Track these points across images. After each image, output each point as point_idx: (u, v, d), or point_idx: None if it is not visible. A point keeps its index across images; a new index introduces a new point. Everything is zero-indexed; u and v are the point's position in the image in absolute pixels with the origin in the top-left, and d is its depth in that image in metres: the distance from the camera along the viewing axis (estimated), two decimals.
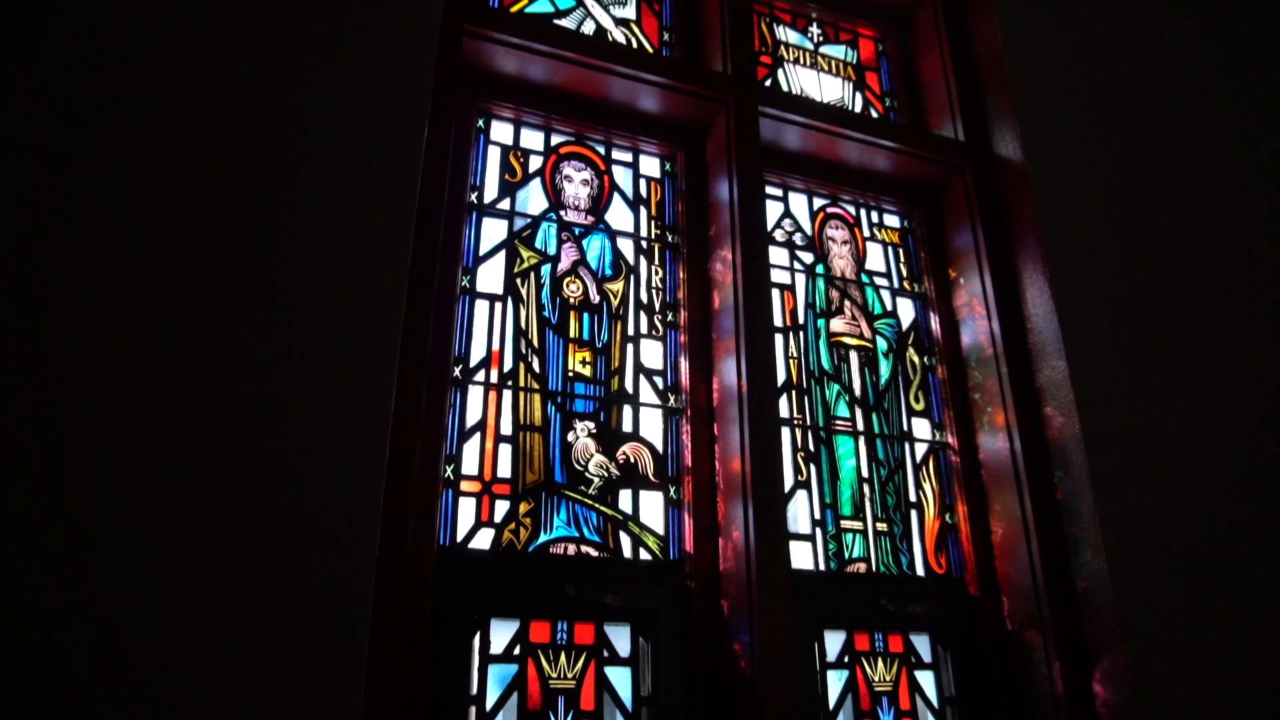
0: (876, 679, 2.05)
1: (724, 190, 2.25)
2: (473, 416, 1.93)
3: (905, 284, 2.57)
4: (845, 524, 2.19)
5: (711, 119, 2.37)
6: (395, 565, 1.54)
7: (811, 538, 2.14)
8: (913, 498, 2.30)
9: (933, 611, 2.16)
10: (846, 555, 2.16)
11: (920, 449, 2.36)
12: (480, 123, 2.21)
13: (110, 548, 1.32)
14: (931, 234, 2.63)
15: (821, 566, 2.12)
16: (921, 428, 2.40)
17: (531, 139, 2.26)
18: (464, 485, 1.87)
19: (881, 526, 2.23)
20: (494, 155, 2.20)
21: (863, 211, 2.62)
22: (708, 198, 2.33)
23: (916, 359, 2.47)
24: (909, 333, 2.50)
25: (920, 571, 2.23)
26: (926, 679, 2.11)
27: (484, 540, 1.85)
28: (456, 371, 1.94)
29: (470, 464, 1.89)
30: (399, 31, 1.86)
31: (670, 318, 2.21)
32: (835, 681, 2.01)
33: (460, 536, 1.83)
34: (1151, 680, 1.92)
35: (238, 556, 1.38)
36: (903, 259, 2.60)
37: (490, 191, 2.15)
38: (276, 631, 1.36)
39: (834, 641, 2.05)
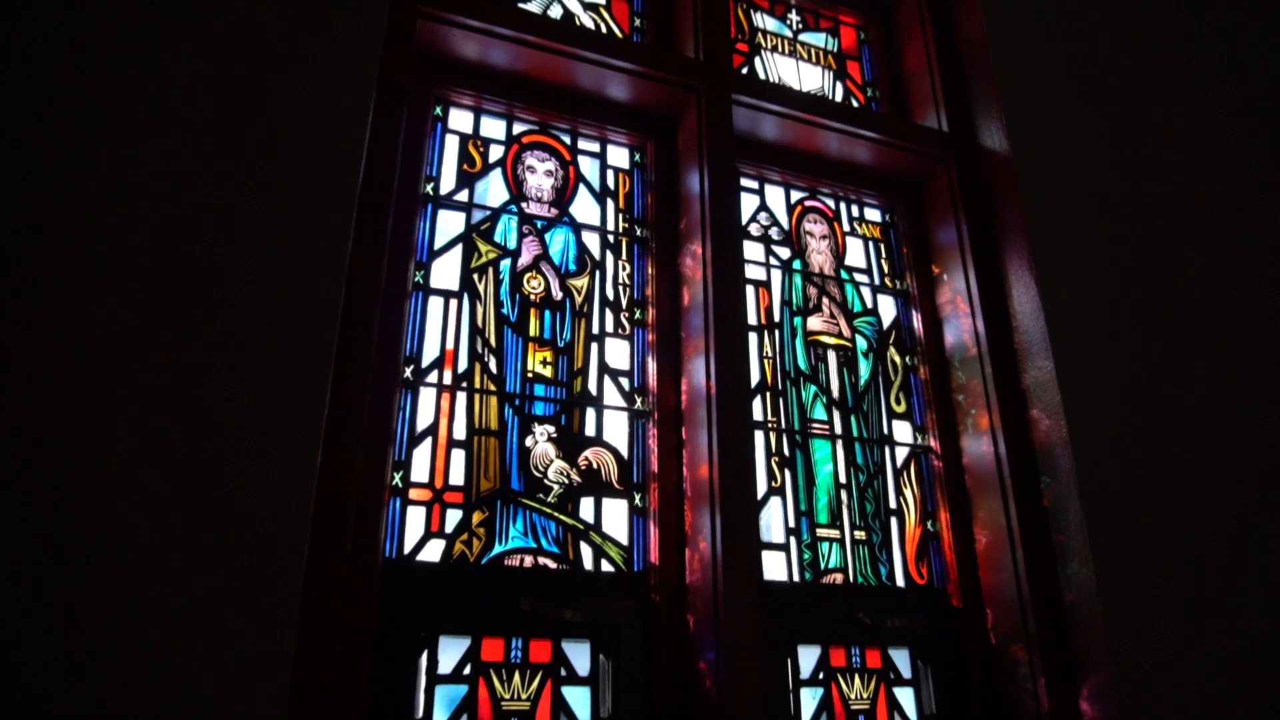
0: (853, 696, 1.94)
1: (695, 182, 2.14)
2: (424, 420, 1.81)
3: (887, 280, 2.47)
4: (821, 532, 2.08)
5: (683, 108, 2.26)
6: (329, 577, 1.42)
7: (785, 547, 2.03)
8: (893, 504, 2.19)
9: (913, 624, 2.06)
10: (822, 565, 2.05)
11: (901, 453, 2.26)
12: (438, 110, 2.09)
13: (22, 549, 1.20)
14: (914, 228, 2.53)
15: (795, 577, 2.01)
16: (903, 431, 2.29)
17: (492, 127, 2.15)
18: (413, 493, 1.76)
19: (860, 535, 2.12)
20: (452, 144, 2.09)
21: (843, 205, 2.51)
22: (678, 190, 2.22)
23: (898, 359, 2.37)
24: (890, 331, 2.40)
25: (900, 582, 2.12)
26: (906, 696, 2.00)
27: (434, 552, 1.73)
28: (407, 372, 1.83)
29: (420, 471, 1.78)
30: (346, 10, 1.75)
31: (638, 315, 2.10)
32: (809, 700, 1.91)
33: (408, 548, 1.72)
34: (1142, 699, 1.81)
35: (157, 561, 1.26)
36: (884, 254, 2.50)
37: (447, 182, 2.04)
38: (195, 641, 1.25)
39: (808, 657, 1.94)
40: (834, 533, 2.09)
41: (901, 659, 2.03)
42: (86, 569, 1.23)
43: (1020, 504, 2.08)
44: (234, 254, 1.48)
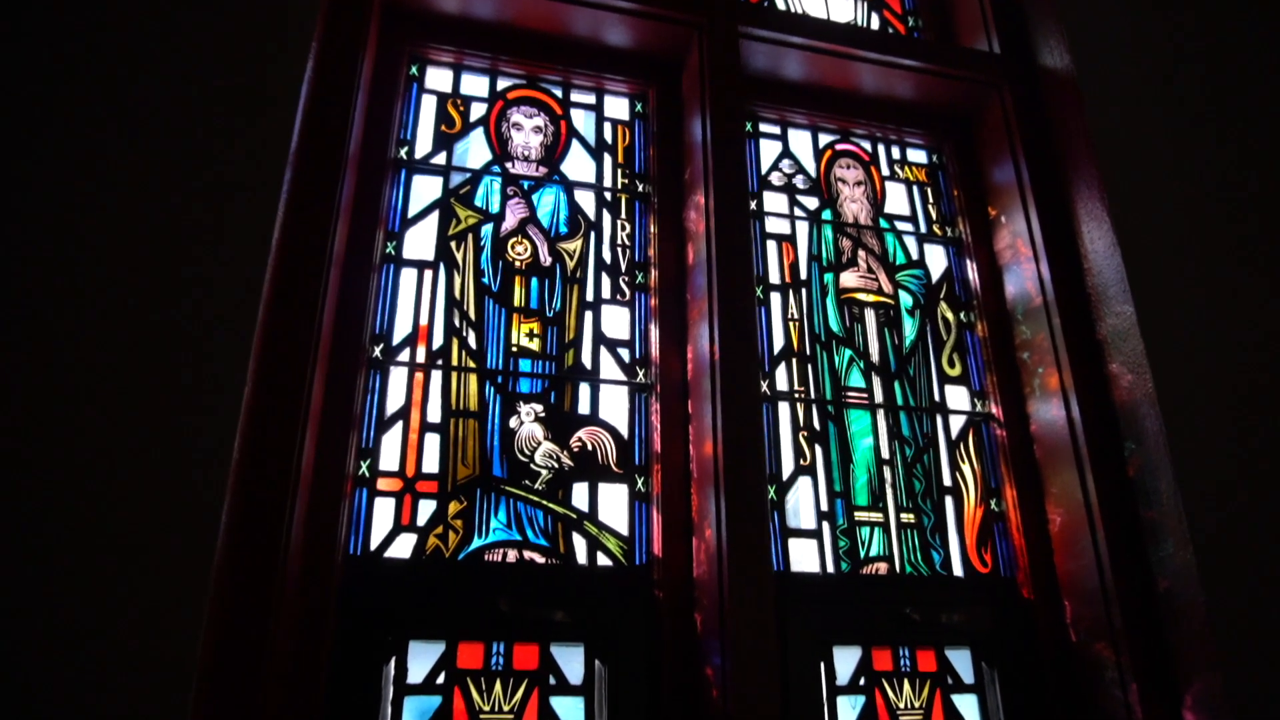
0: (901, 705, 1.66)
1: (698, 127, 1.90)
2: (396, 403, 1.64)
3: (935, 228, 2.16)
4: (860, 516, 1.81)
5: (686, 47, 2.03)
6: (258, 580, 1.26)
7: (817, 534, 1.77)
8: (948, 481, 1.89)
9: (975, 620, 1.76)
10: (862, 554, 1.78)
11: (957, 422, 1.95)
12: (413, 69, 1.93)
13: None
14: (965, 168, 2.21)
15: (830, 568, 1.74)
16: (958, 397, 1.98)
17: (474, 85, 1.97)
18: (382, 483, 1.59)
19: (907, 518, 1.83)
20: (429, 105, 1.91)
21: (881, 147, 2.22)
22: (683, 140, 1.99)
23: (950, 315, 2.06)
24: (940, 285, 2.09)
25: (958, 571, 1.82)
26: (968, 704, 1.70)
27: (404, 547, 1.56)
28: (376, 351, 1.66)
29: (391, 458, 1.61)
30: None
31: (640, 279, 1.87)
32: (848, 710, 1.64)
33: (375, 543, 1.55)
34: (1259, 709, 1.47)
35: (66, 560, 1.12)
36: (931, 199, 2.19)
37: (424, 146, 1.87)
38: (91, 656, 1.10)
39: (846, 660, 1.68)
40: (876, 516, 1.82)
41: (962, 660, 1.74)
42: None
43: (1100, 476, 1.75)
44: (142, 216, 1.33)
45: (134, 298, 1.28)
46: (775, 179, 2.08)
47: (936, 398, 1.96)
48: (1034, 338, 1.94)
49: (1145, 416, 1.71)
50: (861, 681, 1.67)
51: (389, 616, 1.48)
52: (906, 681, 1.69)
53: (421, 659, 1.49)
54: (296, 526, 1.42)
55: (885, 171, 2.19)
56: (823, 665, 1.65)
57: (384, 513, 1.57)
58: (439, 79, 1.95)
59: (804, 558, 1.74)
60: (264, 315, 1.35)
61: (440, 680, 1.48)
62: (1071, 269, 1.93)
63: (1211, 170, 1.97)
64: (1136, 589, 1.66)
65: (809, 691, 1.61)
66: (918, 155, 2.24)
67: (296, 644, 1.39)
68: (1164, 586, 1.64)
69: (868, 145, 2.21)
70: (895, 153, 2.23)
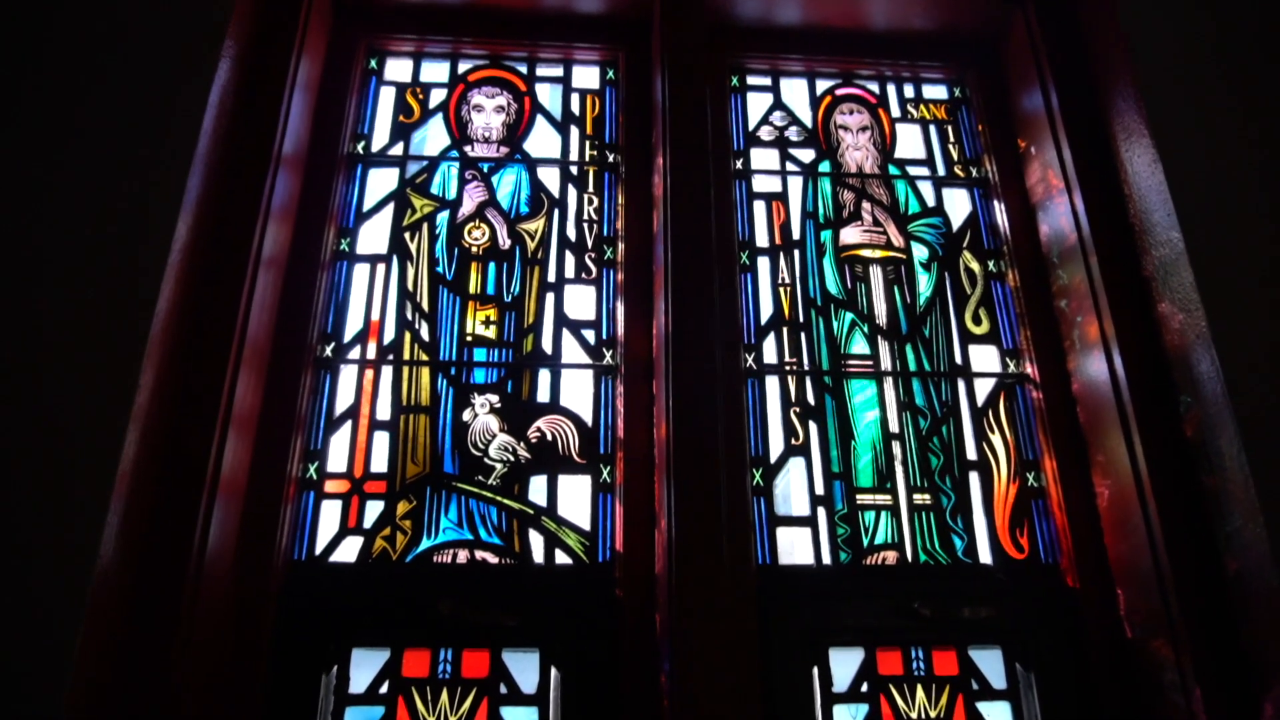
0: (915, 714, 1.44)
1: (660, 88, 1.75)
2: (345, 402, 1.59)
3: (957, 170, 1.90)
4: (864, 499, 1.59)
5: (650, 4, 1.88)
6: (170, 588, 1.23)
7: (811, 520, 1.57)
8: (972, 455, 1.64)
9: (1007, 614, 1.50)
10: (865, 542, 1.56)
11: (983, 387, 1.69)
12: (372, 62, 1.88)
13: None
14: (991, 100, 1.93)
15: (826, 559, 1.54)
16: (984, 358, 1.72)
17: (435, 72, 1.90)
18: (329, 485, 1.53)
19: (921, 499, 1.60)
20: (387, 96, 1.86)
21: (891, 87, 1.98)
22: (650, 102, 1.84)
23: (976, 265, 1.80)
24: (963, 232, 1.83)
25: (985, 557, 1.57)
26: (998, 714, 1.45)
27: (350, 551, 1.49)
28: (327, 350, 1.61)
29: (339, 459, 1.55)
30: None
31: (609, 254, 1.74)
32: (846, 719, 1.44)
33: (321, 548, 1.49)
34: None
35: None
36: (951, 138, 1.93)
37: (381, 138, 1.81)
38: None
39: (846, 663, 1.47)
40: (883, 498, 1.59)
41: (990, 662, 1.49)
42: None
43: (1150, 437, 1.46)
44: (44, 216, 1.32)
45: (34, 301, 1.27)
46: (765, 133, 1.89)
47: (958, 360, 1.71)
48: (1071, 281, 1.66)
49: (1199, 362, 1.41)
50: (864, 687, 1.45)
51: (331, 623, 1.42)
52: (920, 686, 1.46)
53: (365, 667, 1.41)
54: (226, 532, 1.38)
55: (896, 113, 1.95)
56: (816, 670, 1.45)
57: (330, 516, 1.52)
58: (398, 69, 1.89)
59: (796, 547, 1.55)
60: (166, 319, 1.31)
61: (384, 690, 1.40)
62: (1110, 198, 1.63)
63: (1261, 74, 1.62)
64: (1199, 573, 1.37)
65: (797, 699, 1.42)
66: (935, 91, 1.99)
67: (230, 654, 1.35)
68: (1233, 569, 1.34)
69: (874, 87, 1.98)
70: (909, 91, 1.98)
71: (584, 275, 1.72)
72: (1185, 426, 1.45)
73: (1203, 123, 1.55)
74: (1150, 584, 1.41)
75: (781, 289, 1.74)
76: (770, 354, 1.68)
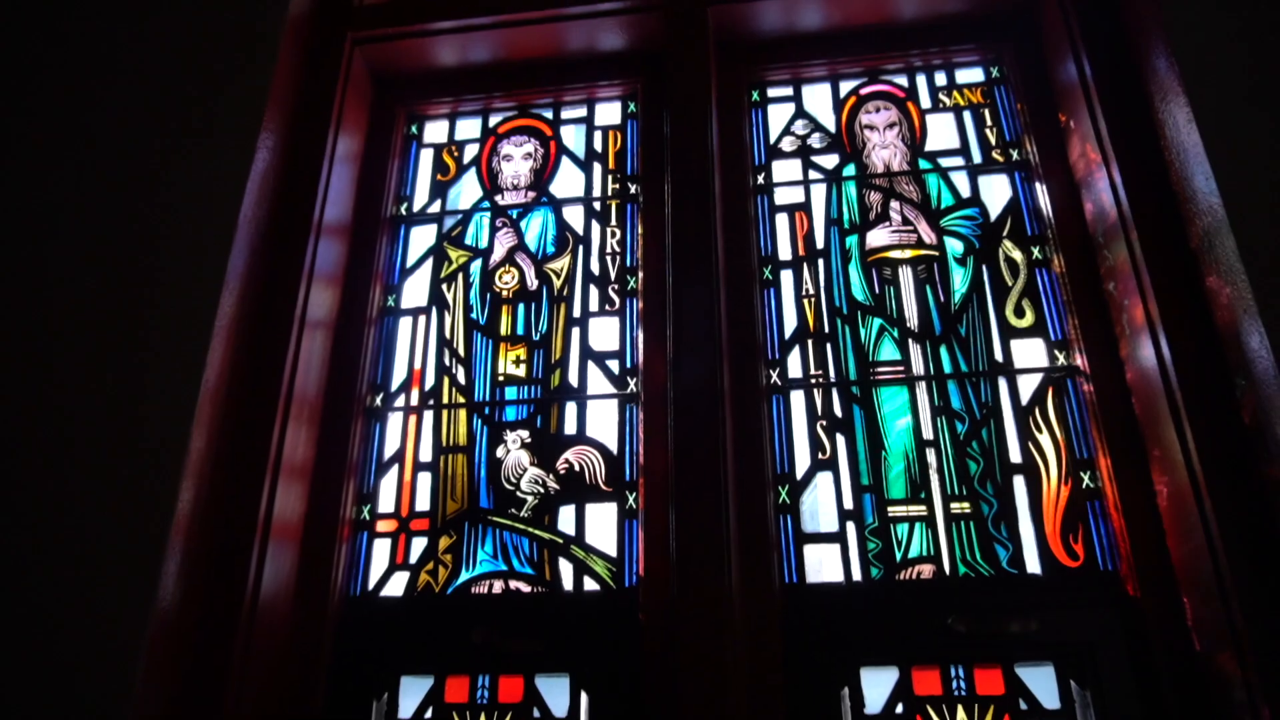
0: None
1: (665, 114, 1.78)
2: (393, 446, 1.72)
3: (995, 154, 1.79)
4: (896, 511, 1.53)
5: (661, 36, 1.91)
6: (214, 626, 1.39)
7: (840, 536, 1.53)
8: (1015, 458, 1.54)
9: (1059, 628, 1.40)
10: (899, 556, 1.50)
11: (1028, 384, 1.58)
12: (412, 128, 2.03)
13: None
14: (1030, 76, 1.81)
15: (857, 575, 1.50)
16: (1028, 352, 1.61)
17: (467, 128, 2.03)
18: (380, 525, 1.66)
19: (959, 508, 1.52)
20: (426, 157, 2.00)
21: (920, 78, 1.90)
22: (662, 131, 1.87)
23: (1018, 255, 1.69)
24: (1003, 220, 1.73)
25: (1034, 567, 1.46)
26: None
27: (398, 585, 1.61)
28: (377, 400, 1.75)
29: (388, 500, 1.68)
30: (239, 52, 1.76)
31: (631, 285, 1.78)
32: None
33: (373, 584, 1.62)
34: None
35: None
36: (989, 122, 1.82)
37: (421, 198, 1.96)
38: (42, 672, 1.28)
39: (879, 684, 1.42)
40: (917, 509, 1.53)
41: (1040, 680, 1.39)
42: None
43: (1203, 427, 1.32)
44: (100, 291, 1.53)
45: (98, 370, 1.48)
46: (787, 144, 1.87)
47: (999, 357, 1.61)
48: (1116, 262, 1.53)
49: (1249, 337, 1.26)
50: (899, 709, 1.40)
51: (382, 653, 1.54)
52: (961, 708, 1.38)
53: (412, 694, 1.52)
54: (284, 572, 1.54)
55: (926, 104, 1.87)
56: (847, 691, 1.41)
57: (381, 553, 1.64)
58: (435, 131, 2.03)
59: (824, 565, 1.52)
60: (215, 383, 1.49)
61: (429, 715, 1.50)
62: (1150, 169, 1.50)
63: None
64: (1263, 578, 1.22)
65: None
66: (970, 74, 1.89)
67: (287, 685, 1.50)
68: None
69: (902, 80, 1.90)
70: (940, 79, 1.89)
71: (608, 307, 1.77)
72: (1243, 412, 1.30)
73: (1238, 78, 1.39)
74: (1212, 590, 1.27)
75: (806, 300, 1.71)
76: (795, 368, 1.66)
